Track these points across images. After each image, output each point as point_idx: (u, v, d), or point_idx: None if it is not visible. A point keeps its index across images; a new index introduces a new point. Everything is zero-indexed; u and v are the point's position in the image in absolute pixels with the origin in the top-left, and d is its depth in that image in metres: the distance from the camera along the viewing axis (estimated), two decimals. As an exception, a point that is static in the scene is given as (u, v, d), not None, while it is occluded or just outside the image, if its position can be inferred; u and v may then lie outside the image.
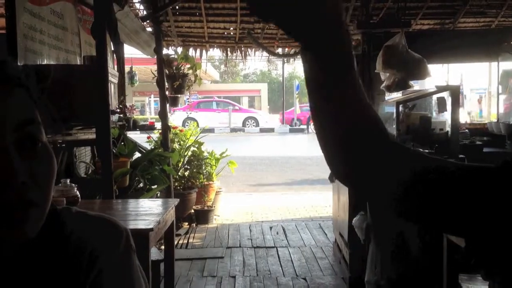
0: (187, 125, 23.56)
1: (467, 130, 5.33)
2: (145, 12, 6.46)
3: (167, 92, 6.31)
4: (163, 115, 6.15)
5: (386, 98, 5.75)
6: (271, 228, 6.49)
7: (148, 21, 6.32)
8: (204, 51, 7.76)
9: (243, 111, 30.84)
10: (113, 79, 5.12)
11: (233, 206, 7.95)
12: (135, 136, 6.53)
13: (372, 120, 0.76)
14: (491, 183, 0.67)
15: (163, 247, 3.98)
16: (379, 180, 0.75)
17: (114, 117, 4.65)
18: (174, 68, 6.45)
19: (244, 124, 29.43)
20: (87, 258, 0.91)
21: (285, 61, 29.84)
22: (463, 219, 0.68)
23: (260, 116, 30.69)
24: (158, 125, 6.37)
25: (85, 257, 0.91)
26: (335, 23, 0.72)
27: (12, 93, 0.81)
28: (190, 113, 26.15)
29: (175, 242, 4.98)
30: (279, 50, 7.89)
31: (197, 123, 26.14)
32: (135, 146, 5.07)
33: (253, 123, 29.53)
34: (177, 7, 6.50)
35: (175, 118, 27.28)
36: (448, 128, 4.62)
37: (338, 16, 0.73)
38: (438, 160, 0.75)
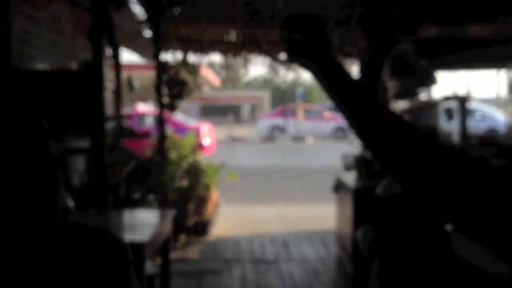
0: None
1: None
2: (144, 16, 6.37)
3: (165, 98, 6.20)
4: (160, 123, 6.02)
5: (393, 106, 5.70)
6: (272, 241, 6.37)
7: (146, 24, 6.22)
8: (204, 56, 7.66)
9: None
10: (110, 85, 5.03)
11: (232, 218, 7.83)
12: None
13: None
14: None
15: (158, 260, 3.91)
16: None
17: (110, 125, 4.58)
18: (172, 74, 6.35)
19: (335, 133, 26.89)
20: (84, 267, 0.95)
21: (288, 68, 29.79)
22: None
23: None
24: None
25: (82, 266, 0.94)
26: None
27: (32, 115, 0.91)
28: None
29: (172, 255, 4.88)
30: (281, 56, 7.80)
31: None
32: (131, 155, 4.98)
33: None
34: (176, 11, 6.41)
35: (260, 125, 27.63)
36: (455, 138, 4.61)
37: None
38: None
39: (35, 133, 0.91)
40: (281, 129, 26.81)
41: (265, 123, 27.24)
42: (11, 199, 0.85)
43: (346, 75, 1.02)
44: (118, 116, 5.19)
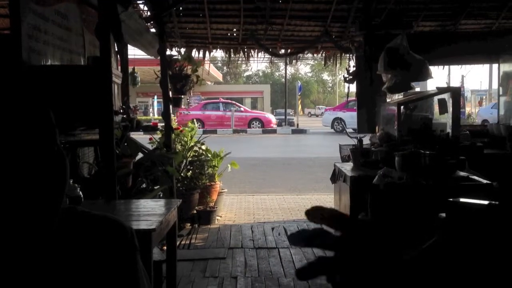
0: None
1: (467, 132, 5.34)
2: (149, 13, 6.48)
3: (170, 93, 6.32)
4: (166, 116, 6.16)
5: (388, 99, 5.77)
6: (273, 229, 6.48)
7: (152, 22, 6.33)
8: (207, 52, 7.77)
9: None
10: (117, 79, 5.13)
11: (235, 207, 7.97)
12: (138, 137, 6.54)
13: None
14: None
15: (165, 247, 3.98)
16: None
17: (118, 118, 4.66)
18: (177, 69, 6.47)
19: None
20: (92, 253, 0.96)
21: (288, 62, 29.78)
22: None
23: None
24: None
25: (88, 255, 0.95)
26: None
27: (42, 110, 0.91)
28: None
29: (177, 243, 4.99)
30: (282, 51, 7.90)
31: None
32: (138, 147, 5.07)
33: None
34: (180, 8, 6.52)
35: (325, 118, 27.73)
36: (449, 130, 4.64)
37: None
38: None
39: (42, 125, 0.89)
40: (341, 121, 27.25)
41: (330, 116, 28.49)
42: (16, 188, 0.84)
43: None
44: (126, 109, 5.30)
